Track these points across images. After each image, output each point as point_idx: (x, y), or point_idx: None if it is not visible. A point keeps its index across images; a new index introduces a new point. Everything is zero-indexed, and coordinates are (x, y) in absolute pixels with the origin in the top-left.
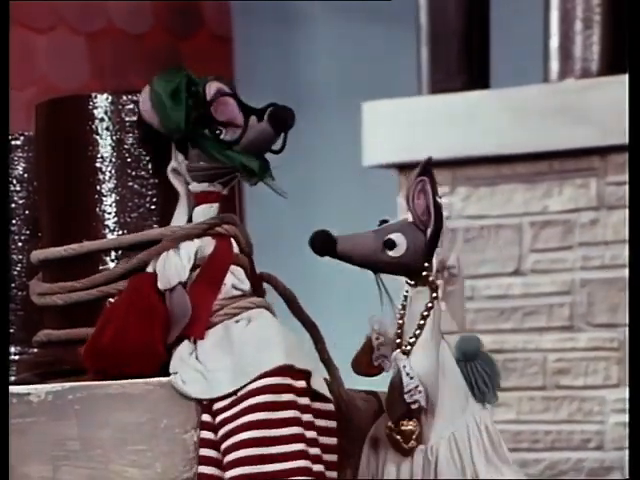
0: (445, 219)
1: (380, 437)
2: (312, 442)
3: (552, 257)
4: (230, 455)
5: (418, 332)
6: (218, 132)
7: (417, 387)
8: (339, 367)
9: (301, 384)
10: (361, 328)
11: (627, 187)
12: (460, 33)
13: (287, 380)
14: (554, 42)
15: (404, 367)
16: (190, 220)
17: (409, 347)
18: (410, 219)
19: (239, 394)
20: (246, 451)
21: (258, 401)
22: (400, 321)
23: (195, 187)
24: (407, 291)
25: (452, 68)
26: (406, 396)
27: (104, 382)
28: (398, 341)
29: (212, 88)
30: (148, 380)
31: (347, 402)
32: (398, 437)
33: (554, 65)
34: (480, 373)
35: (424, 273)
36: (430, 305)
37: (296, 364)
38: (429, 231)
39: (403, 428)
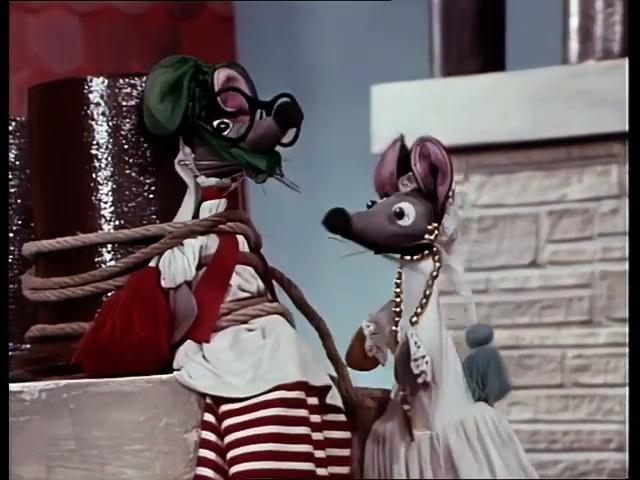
0: (451, 182)
1: (383, 430)
2: (321, 461)
3: (571, 248)
4: (237, 466)
5: (424, 301)
6: (224, 126)
7: (424, 357)
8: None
9: (314, 401)
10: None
11: None
12: (474, 12)
13: (302, 395)
14: (573, 21)
15: (411, 335)
16: (197, 215)
17: (415, 318)
18: (409, 188)
19: (252, 401)
20: (255, 464)
21: (272, 413)
22: (397, 299)
23: (204, 181)
24: (400, 267)
25: (465, 49)
26: (413, 365)
27: (100, 379)
28: (397, 319)
29: (221, 76)
30: (147, 377)
31: (355, 401)
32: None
33: (573, 46)
34: (474, 365)
35: (431, 241)
36: (435, 274)
37: (311, 381)
38: (440, 197)
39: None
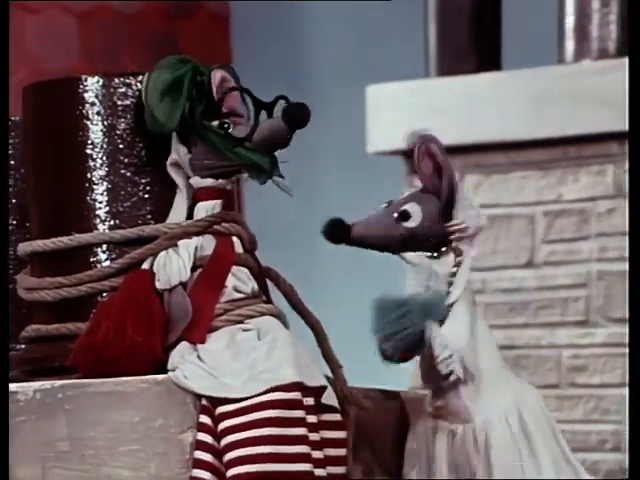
0: (458, 180)
1: (421, 430)
2: (318, 462)
3: (567, 248)
4: (235, 468)
5: (447, 299)
6: (226, 126)
7: (451, 356)
8: (342, 362)
9: (310, 401)
10: (364, 318)
11: None
12: (470, 12)
13: (299, 396)
14: (569, 21)
15: (434, 337)
16: (190, 216)
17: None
18: (419, 187)
19: (249, 403)
20: (253, 466)
21: (270, 415)
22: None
23: (198, 182)
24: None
25: (462, 48)
26: (441, 366)
27: (96, 380)
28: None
29: (217, 77)
30: (143, 377)
31: (350, 400)
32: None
33: (569, 45)
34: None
35: (449, 238)
36: (454, 270)
37: (307, 382)
38: (443, 194)
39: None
